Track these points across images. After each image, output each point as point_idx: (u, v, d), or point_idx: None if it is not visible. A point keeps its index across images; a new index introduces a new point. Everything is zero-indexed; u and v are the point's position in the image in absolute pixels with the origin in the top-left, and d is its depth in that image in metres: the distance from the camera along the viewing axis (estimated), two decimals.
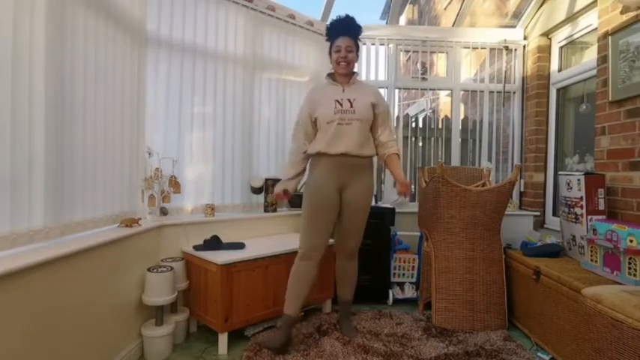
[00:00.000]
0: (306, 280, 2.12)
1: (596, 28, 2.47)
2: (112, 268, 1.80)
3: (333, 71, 2.22)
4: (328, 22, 2.21)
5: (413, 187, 3.57)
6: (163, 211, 2.35)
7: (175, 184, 2.36)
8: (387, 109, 2.24)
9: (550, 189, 3.18)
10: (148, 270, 2.03)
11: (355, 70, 2.22)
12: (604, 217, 2.19)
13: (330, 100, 2.11)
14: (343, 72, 2.14)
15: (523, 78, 3.40)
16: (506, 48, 3.40)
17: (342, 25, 2.13)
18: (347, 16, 2.16)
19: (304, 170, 2.25)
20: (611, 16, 2.31)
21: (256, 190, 2.84)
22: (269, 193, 2.83)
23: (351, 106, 2.10)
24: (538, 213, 3.17)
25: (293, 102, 3.16)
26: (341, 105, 2.10)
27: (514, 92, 3.44)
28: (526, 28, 3.37)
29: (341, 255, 2.30)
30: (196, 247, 2.28)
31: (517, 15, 3.40)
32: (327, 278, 2.63)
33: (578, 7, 2.71)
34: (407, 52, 3.56)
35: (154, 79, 2.34)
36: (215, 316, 2.08)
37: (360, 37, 2.18)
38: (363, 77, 3.40)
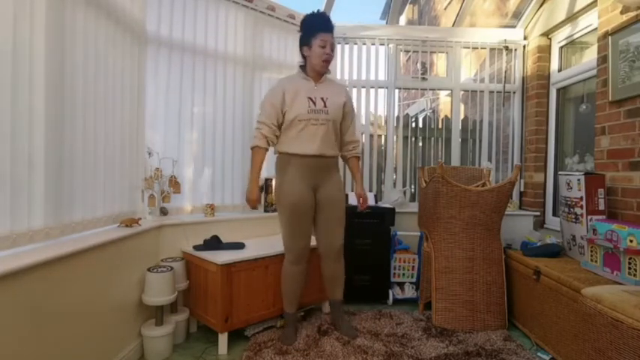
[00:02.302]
0: (301, 282, 2.20)
1: (596, 28, 2.47)
2: (112, 268, 1.80)
3: (303, 64, 2.16)
4: (306, 15, 2.14)
5: (412, 187, 3.57)
6: (163, 211, 2.35)
7: (175, 184, 2.36)
8: (353, 108, 2.27)
9: (550, 189, 3.18)
10: (148, 270, 2.03)
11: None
12: (604, 217, 2.19)
13: (304, 97, 2.07)
14: (324, 70, 2.12)
15: (523, 78, 3.40)
16: (506, 48, 3.40)
17: (325, 21, 2.09)
18: (323, 13, 2.16)
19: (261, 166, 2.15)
20: (611, 16, 2.31)
21: None
22: (268, 194, 2.83)
23: (325, 106, 2.08)
24: (538, 213, 3.17)
25: None
26: (314, 104, 2.07)
27: (514, 92, 3.44)
28: (526, 28, 3.37)
29: (328, 257, 2.25)
30: (196, 247, 2.28)
31: (517, 15, 3.40)
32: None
33: (578, 7, 2.70)
34: (407, 52, 3.56)
35: (154, 79, 2.34)
36: (215, 316, 2.08)
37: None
38: (363, 77, 3.40)
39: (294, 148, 2.07)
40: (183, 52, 2.46)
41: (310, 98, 2.08)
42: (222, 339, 2.08)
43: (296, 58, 3.16)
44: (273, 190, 2.16)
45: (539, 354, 2.10)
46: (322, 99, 2.09)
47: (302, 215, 2.10)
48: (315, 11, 2.16)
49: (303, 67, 2.17)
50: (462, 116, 3.55)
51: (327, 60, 2.08)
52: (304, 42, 2.11)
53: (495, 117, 3.45)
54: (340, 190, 2.22)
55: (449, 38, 3.41)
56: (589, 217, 2.20)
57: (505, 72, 3.41)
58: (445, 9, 6.71)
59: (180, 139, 2.46)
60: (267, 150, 2.14)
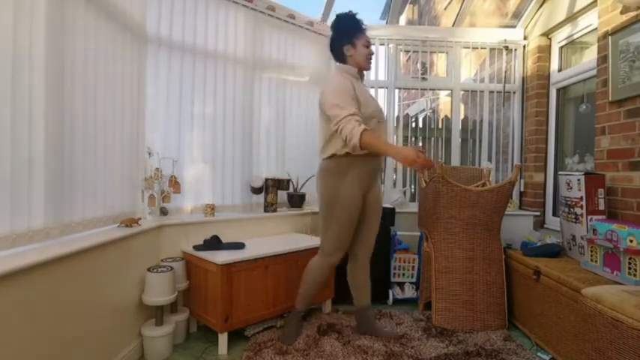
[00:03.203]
0: (321, 283, 2.19)
1: (596, 28, 2.47)
2: (112, 268, 1.80)
3: (347, 65, 2.09)
4: (342, 14, 2.11)
5: (413, 187, 3.57)
6: (163, 211, 2.35)
7: (175, 184, 2.36)
8: None
9: (550, 189, 3.18)
10: (148, 270, 2.03)
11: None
12: (604, 217, 2.19)
13: (368, 95, 2.06)
14: (369, 68, 2.13)
15: (523, 78, 3.40)
16: (506, 48, 3.40)
17: (362, 23, 2.10)
18: (354, 13, 2.14)
19: None
20: (611, 16, 2.31)
21: (256, 190, 2.84)
22: (268, 194, 2.83)
23: (378, 106, 2.09)
24: (538, 213, 3.17)
25: (293, 102, 3.17)
26: (374, 101, 2.07)
27: (514, 92, 3.44)
28: (526, 28, 3.37)
29: (363, 261, 2.23)
30: (196, 247, 2.28)
31: (517, 15, 3.40)
32: (327, 278, 2.63)
33: (578, 7, 2.70)
34: (407, 52, 3.56)
35: (154, 79, 2.34)
36: (215, 316, 2.08)
37: None
38: None
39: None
40: (183, 52, 2.46)
41: (371, 96, 2.08)
42: (222, 339, 2.08)
43: (296, 58, 3.19)
44: (323, 190, 2.04)
45: (539, 354, 2.10)
46: (373, 99, 2.09)
47: (353, 219, 2.04)
48: (347, 13, 2.13)
49: (347, 68, 2.08)
50: (462, 116, 3.56)
51: (371, 59, 2.10)
52: (346, 41, 2.05)
53: (495, 117, 3.45)
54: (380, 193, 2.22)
55: (449, 38, 3.41)
56: (589, 217, 2.20)
57: (505, 72, 3.41)
58: (445, 9, 6.71)
59: (180, 139, 2.46)
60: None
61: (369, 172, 2.05)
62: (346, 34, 2.07)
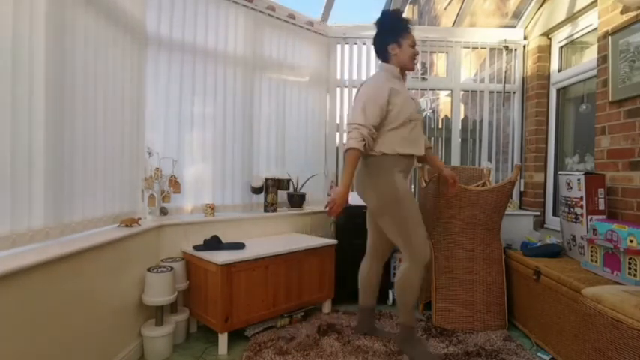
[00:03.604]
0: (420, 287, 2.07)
1: (596, 28, 2.47)
2: (112, 268, 1.80)
3: (390, 65, 2.05)
4: (387, 12, 2.08)
5: (412, 187, 3.57)
6: (163, 211, 2.35)
7: (175, 184, 2.36)
8: None
9: (550, 189, 3.18)
10: (148, 270, 2.03)
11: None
12: (604, 217, 2.19)
13: (408, 97, 2.03)
14: (413, 68, 2.09)
15: (523, 78, 3.40)
16: (506, 48, 3.40)
17: (408, 22, 2.04)
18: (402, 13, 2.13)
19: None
20: (611, 16, 2.31)
21: (256, 190, 2.84)
22: (268, 194, 2.83)
23: (416, 106, 2.06)
24: (538, 213, 3.17)
25: (293, 102, 3.17)
26: (415, 103, 2.05)
27: (514, 92, 3.44)
28: (526, 28, 3.37)
29: (383, 260, 2.29)
30: (196, 247, 2.28)
31: (517, 15, 3.40)
32: (327, 278, 2.63)
33: (578, 7, 2.70)
34: None
35: (154, 79, 2.34)
36: (215, 316, 2.08)
37: None
38: (363, 77, 3.40)
39: (407, 149, 1.98)
40: (183, 52, 2.46)
41: (412, 98, 2.05)
42: (222, 339, 2.08)
43: (296, 58, 3.19)
44: (380, 193, 1.98)
45: (539, 354, 2.10)
46: (413, 99, 2.06)
47: (417, 206, 2.04)
48: (391, 10, 2.12)
49: (390, 68, 2.04)
50: (462, 116, 3.55)
51: (415, 60, 2.07)
52: (392, 40, 2.01)
53: (495, 117, 3.45)
54: None
55: (449, 38, 3.41)
56: (589, 217, 2.19)
57: (505, 72, 3.41)
58: (445, 9, 6.71)
59: (180, 139, 2.46)
60: (361, 152, 1.92)
61: (410, 167, 2.06)
62: (392, 32, 2.02)
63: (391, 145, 1.97)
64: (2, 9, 1.29)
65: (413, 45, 2.03)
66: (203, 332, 2.32)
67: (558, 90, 3.13)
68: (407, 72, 2.12)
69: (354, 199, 3.04)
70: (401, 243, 2.02)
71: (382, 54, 2.07)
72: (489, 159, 3.43)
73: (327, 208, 1.91)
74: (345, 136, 3.43)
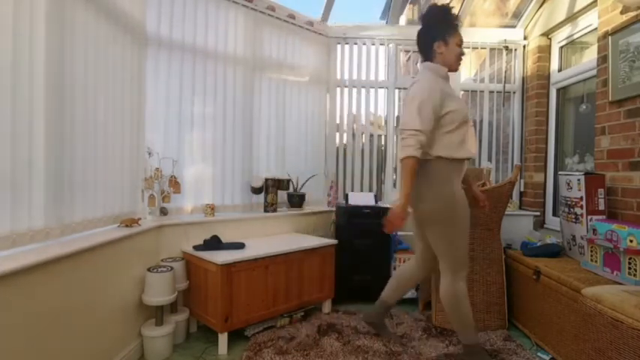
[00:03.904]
0: (468, 301, 1.91)
1: (596, 28, 2.47)
2: (112, 268, 1.80)
3: (436, 64, 1.89)
4: (435, 7, 1.93)
5: None
6: (163, 211, 2.35)
7: (175, 184, 2.36)
8: None
9: (550, 189, 3.18)
10: (148, 270, 2.03)
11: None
12: (604, 217, 2.19)
13: (460, 97, 1.96)
14: (459, 68, 1.96)
15: (523, 78, 3.40)
16: (506, 48, 3.40)
17: (456, 19, 1.90)
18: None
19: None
20: (611, 16, 2.31)
21: (256, 190, 2.84)
22: (268, 194, 2.83)
23: (465, 106, 1.94)
24: (538, 213, 3.17)
25: (293, 102, 3.17)
26: (462, 104, 1.93)
27: (514, 92, 3.44)
28: (526, 28, 3.37)
29: (428, 272, 2.18)
30: (196, 247, 2.28)
31: (517, 15, 3.40)
32: (327, 278, 2.63)
33: (578, 7, 2.70)
34: (407, 52, 3.56)
35: (154, 79, 2.34)
36: (215, 316, 2.08)
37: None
38: (363, 77, 3.40)
39: (462, 152, 1.84)
40: (183, 52, 2.46)
41: (459, 98, 1.97)
42: (222, 339, 2.08)
43: (296, 58, 3.19)
44: (435, 201, 1.85)
45: (539, 354, 2.10)
46: (459, 98, 1.97)
47: (469, 219, 1.91)
48: (440, 4, 1.97)
49: (436, 68, 1.90)
50: None
51: (461, 60, 1.93)
52: (439, 37, 1.86)
53: (495, 117, 3.45)
54: None
55: None
56: (589, 217, 2.19)
57: (505, 72, 3.41)
58: None
59: (180, 139, 2.46)
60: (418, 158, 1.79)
61: (463, 170, 1.93)
62: (439, 28, 1.88)
63: (448, 149, 1.82)
64: (2, 9, 1.29)
65: (460, 44, 1.87)
66: (203, 332, 2.32)
67: (558, 90, 3.13)
68: (450, 73, 1.95)
69: (354, 199, 3.04)
70: (443, 253, 1.88)
71: (426, 52, 1.92)
72: (489, 159, 3.43)
73: (386, 224, 1.81)
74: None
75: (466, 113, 1.87)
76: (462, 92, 3.56)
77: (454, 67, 1.91)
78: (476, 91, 3.47)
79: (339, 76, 3.40)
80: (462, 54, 1.91)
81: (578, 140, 2.99)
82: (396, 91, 3.48)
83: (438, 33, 1.87)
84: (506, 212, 2.51)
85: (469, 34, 3.42)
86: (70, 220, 1.64)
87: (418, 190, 1.86)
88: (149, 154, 2.27)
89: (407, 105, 1.83)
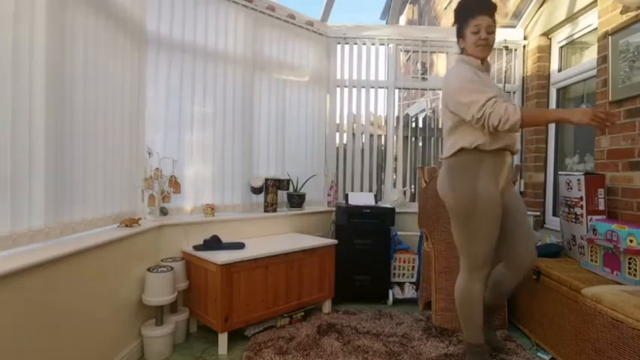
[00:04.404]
0: (482, 302, 1.82)
1: (596, 28, 2.47)
2: (112, 268, 1.80)
3: (467, 56, 1.82)
4: (458, 2, 1.85)
5: (413, 187, 3.56)
6: (163, 211, 2.35)
7: (175, 184, 2.36)
8: None
9: (550, 189, 3.18)
10: (148, 270, 2.03)
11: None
12: (604, 217, 2.19)
13: (494, 84, 1.81)
14: (483, 55, 1.79)
15: (523, 78, 3.40)
16: (506, 48, 3.40)
17: (482, 3, 1.77)
18: None
19: None
20: (611, 16, 2.31)
21: (256, 190, 2.84)
22: (268, 194, 2.83)
23: (501, 92, 1.79)
24: (538, 213, 3.17)
25: (293, 102, 3.17)
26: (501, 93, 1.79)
27: (514, 92, 3.44)
28: (526, 28, 3.37)
29: (517, 271, 1.87)
30: (196, 247, 2.28)
31: (517, 15, 3.40)
32: (327, 278, 2.63)
33: (578, 7, 2.70)
34: (407, 52, 3.56)
35: (154, 79, 2.34)
36: (215, 316, 2.08)
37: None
38: (363, 77, 3.40)
39: (496, 142, 1.72)
40: (183, 52, 2.46)
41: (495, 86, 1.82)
42: (222, 339, 2.08)
43: (296, 58, 3.19)
44: (452, 193, 1.80)
45: (539, 354, 2.10)
46: (500, 89, 1.83)
47: (496, 221, 1.76)
48: None
49: (461, 57, 1.85)
50: None
51: (482, 45, 1.76)
52: (458, 34, 1.84)
53: None
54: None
55: (449, 38, 3.41)
56: (589, 217, 2.19)
57: (505, 72, 3.41)
58: (445, 9, 6.71)
59: (180, 139, 2.46)
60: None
61: (502, 163, 1.79)
62: (458, 27, 1.83)
63: (474, 138, 1.72)
64: (3, 9, 1.29)
65: (476, 31, 1.75)
66: (203, 332, 2.32)
67: (558, 90, 3.13)
68: (486, 60, 1.85)
69: (354, 199, 3.04)
70: (459, 249, 1.85)
71: (460, 47, 1.89)
72: None
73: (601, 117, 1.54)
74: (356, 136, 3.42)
75: (500, 94, 1.71)
76: None
77: (476, 54, 1.79)
78: None
79: (339, 76, 3.40)
80: (480, 38, 1.75)
81: (578, 140, 2.99)
82: (396, 91, 3.48)
83: (458, 31, 1.85)
84: None
85: None
86: (70, 220, 1.64)
87: (441, 182, 1.87)
88: (149, 154, 2.27)
89: (456, 94, 1.73)
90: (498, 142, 1.73)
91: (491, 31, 1.77)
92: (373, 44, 3.40)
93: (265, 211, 2.85)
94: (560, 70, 3.11)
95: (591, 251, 2.04)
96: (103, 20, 1.84)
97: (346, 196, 3.09)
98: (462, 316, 1.87)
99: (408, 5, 9.74)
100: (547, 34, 3.14)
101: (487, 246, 1.77)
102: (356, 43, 3.39)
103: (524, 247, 1.83)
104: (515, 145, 1.82)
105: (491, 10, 1.78)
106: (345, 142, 3.46)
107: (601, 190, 2.22)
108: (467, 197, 1.75)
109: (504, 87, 3.40)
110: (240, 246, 2.35)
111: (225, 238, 2.40)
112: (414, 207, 3.09)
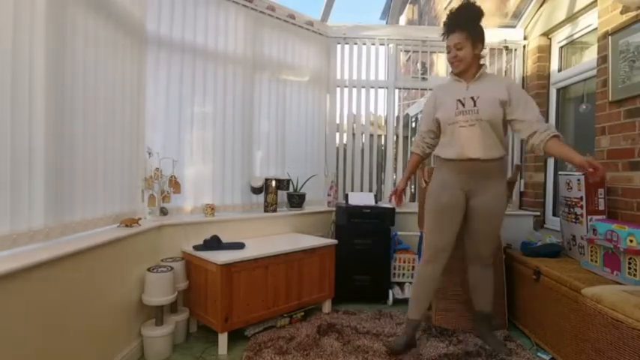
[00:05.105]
0: (432, 284, 2.06)
1: (596, 28, 2.47)
2: (112, 268, 1.80)
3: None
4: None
5: (412, 187, 3.56)
6: (163, 211, 2.35)
7: (175, 184, 2.36)
8: (521, 96, 1.93)
9: (550, 189, 3.18)
10: (148, 270, 2.03)
11: (483, 62, 2.03)
12: (604, 217, 2.19)
13: (452, 100, 1.96)
14: (457, 71, 1.99)
15: (523, 78, 3.40)
16: (506, 48, 3.40)
17: (451, 21, 1.95)
18: (460, 7, 1.96)
19: (416, 169, 2.32)
20: (611, 16, 2.31)
21: (256, 190, 2.84)
22: (268, 194, 2.83)
23: (474, 105, 1.91)
24: (538, 213, 3.17)
25: (293, 102, 3.17)
26: (463, 105, 1.93)
27: None
28: (526, 28, 3.37)
29: (472, 263, 2.14)
30: (196, 247, 2.28)
31: (517, 15, 3.40)
32: (327, 278, 2.63)
33: (578, 7, 2.70)
34: (407, 52, 3.56)
35: (154, 79, 2.34)
36: (215, 316, 2.08)
37: (476, 23, 1.94)
38: (363, 77, 3.40)
39: (446, 153, 1.99)
40: (183, 52, 2.46)
41: (459, 100, 1.95)
42: (222, 339, 2.08)
43: (296, 58, 3.19)
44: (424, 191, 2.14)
45: (539, 354, 2.10)
46: (472, 98, 1.93)
47: (445, 213, 1.99)
48: (452, 9, 1.99)
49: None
50: None
51: (453, 62, 1.98)
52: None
53: None
54: (499, 200, 1.98)
55: None
56: (589, 217, 2.19)
57: (505, 72, 3.41)
58: (445, 9, 6.70)
59: (180, 139, 2.46)
60: (421, 155, 2.23)
61: (463, 171, 1.96)
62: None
63: (437, 149, 2.10)
64: (2, 9, 1.29)
65: (448, 51, 1.98)
66: (203, 332, 2.32)
67: (558, 90, 3.13)
68: (470, 70, 1.99)
69: (354, 199, 3.04)
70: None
71: None
72: None
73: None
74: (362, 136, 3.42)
75: (449, 117, 1.98)
76: None
77: (453, 69, 2.03)
78: None
79: (339, 76, 3.40)
80: (450, 58, 2.00)
81: (578, 140, 2.99)
82: (396, 91, 3.48)
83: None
84: (506, 212, 2.50)
85: None
86: (70, 220, 1.64)
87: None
88: (149, 154, 2.27)
89: None
90: (447, 154, 2.00)
91: (459, 48, 1.94)
92: (373, 44, 3.40)
93: (265, 211, 2.85)
94: (560, 70, 3.10)
95: (591, 251, 2.04)
96: (103, 20, 1.84)
97: (346, 196, 3.09)
98: (413, 294, 2.14)
99: (408, 5, 9.73)
100: (547, 34, 3.14)
101: (437, 238, 2.03)
102: (356, 43, 3.39)
103: (475, 250, 2.09)
104: (467, 154, 1.93)
105: (457, 27, 1.93)
106: (345, 142, 3.46)
107: (601, 190, 2.22)
108: (428, 197, 2.08)
109: None
110: (240, 246, 2.35)
111: (225, 238, 2.40)
112: (414, 207, 3.10)
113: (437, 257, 2.02)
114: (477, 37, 1.93)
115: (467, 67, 1.96)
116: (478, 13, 1.94)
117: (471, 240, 2.08)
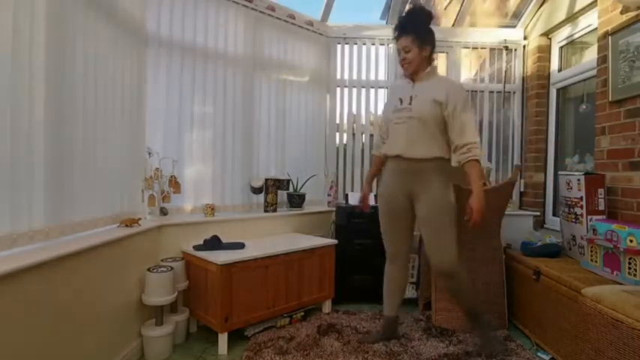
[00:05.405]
0: (394, 283, 2.20)
1: (596, 28, 2.47)
2: (112, 268, 1.80)
3: None
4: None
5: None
6: (163, 211, 2.35)
7: (175, 184, 2.36)
8: (458, 104, 1.89)
9: (550, 189, 3.17)
10: (148, 270, 2.03)
11: (435, 64, 2.09)
12: (604, 217, 2.19)
13: (395, 98, 2.04)
14: (407, 73, 2.04)
15: (523, 78, 3.40)
16: (506, 48, 3.40)
17: (397, 27, 2.01)
18: (408, 12, 2.06)
19: (379, 171, 2.23)
20: (611, 16, 2.31)
21: (256, 190, 2.84)
22: (268, 194, 2.83)
23: (410, 103, 1.96)
24: (538, 213, 3.17)
25: (293, 102, 3.17)
26: (401, 103, 2.00)
27: (514, 92, 3.44)
28: (526, 28, 3.37)
29: (436, 272, 2.16)
30: (196, 247, 2.28)
31: (517, 15, 3.40)
32: (327, 278, 2.63)
33: (578, 7, 2.70)
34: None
35: (154, 78, 2.34)
36: (215, 316, 2.08)
37: (422, 27, 1.98)
38: (363, 77, 3.40)
39: (386, 149, 2.07)
40: (183, 52, 2.46)
41: (400, 98, 2.01)
42: (222, 339, 2.08)
43: (296, 58, 3.19)
44: None
45: (539, 354, 2.10)
46: (411, 97, 1.97)
47: (388, 219, 2.11)
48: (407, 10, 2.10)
49: None
50: None
51: (402, 64, 2.01)
52: None
53: (495, 117, 3.45)
54: (440, 198, 1.93)
55: (449, 38, 3.41)
56: (589, 217, 2.19)
57: (505, 72, 3.41)
58: (445, 9, 6.70)
59: (180, 139, 2.46)
60: (380, 157, 2.18)
61: (400, 169, 2.01)
62: None
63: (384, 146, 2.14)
64: (2, 9, 1.29)
65: (399, 54, 2.02)
66: (203, 332, 2.32)
67: (558, 90, 3.13)
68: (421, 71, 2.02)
69: (354, 199, 3.04)
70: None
71: None
72: (489, 159, 3.43)
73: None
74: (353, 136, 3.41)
75: (387, 115, 2.07)
76: None
77: (404, 72, 2.04)
78: (476, 91, 3.47)
79: (339, 76, 3.40)
80: (399, 61, 2.02)
81: (578, 140, 2.99)
82: None
83: None
84: (506, 212, 2.51)
85: (469, 34, 3.43)
86: (70, 220, 1.64)
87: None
88: (149, 154, 2.27)
89: None
90: (384, 150, 2.08)
91: (407, 50, 1.96)
92: (373, 44, 3.40)
93: (265, 211, 2.85)
94: (560, 70, 3.10)
95: (591, 251, 2.04)
96: (103, 20, 1.84)
97: (346, 196, 3.09)
98: (383, 292, 2.24)
99: (408, 5, 9.73)
100: (547, 34, 3.14)
101: (386, 245, 2.16)
102: (356, 43, 3.39)
103: (428, 258, 2.03)
104: (393, 150, 2.00)
105: (404, 31, 1.96)
106: (345, 142, 3.46)
107: (601, 190, 2.22)
108: (379, 196, 2.14)
109: (504, 87, 3.40)
110: (240, 246, 2.35)
111: (225, 238, 2.40)
112: None
113: (393, 259, 2.15)
114: (424, 40, 1.96)
115: (416, 69, 1.99)
116: (425, 17, 2.00)
117: (427, 246, 2.00)
